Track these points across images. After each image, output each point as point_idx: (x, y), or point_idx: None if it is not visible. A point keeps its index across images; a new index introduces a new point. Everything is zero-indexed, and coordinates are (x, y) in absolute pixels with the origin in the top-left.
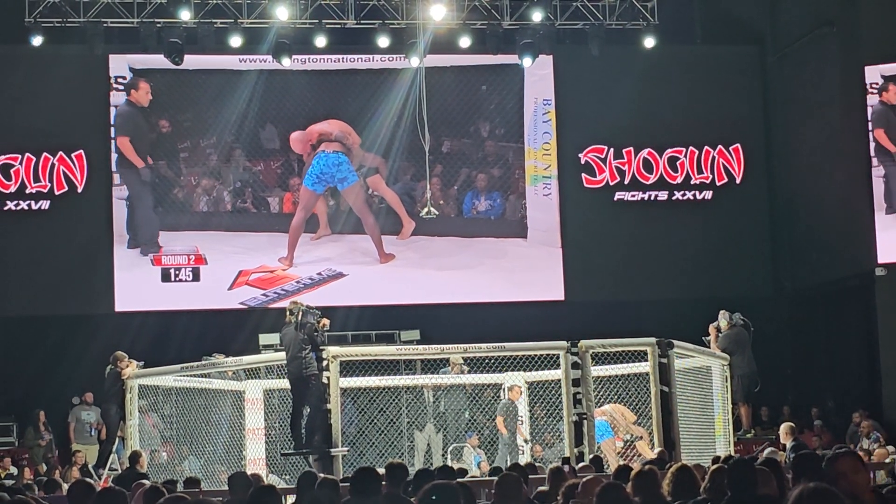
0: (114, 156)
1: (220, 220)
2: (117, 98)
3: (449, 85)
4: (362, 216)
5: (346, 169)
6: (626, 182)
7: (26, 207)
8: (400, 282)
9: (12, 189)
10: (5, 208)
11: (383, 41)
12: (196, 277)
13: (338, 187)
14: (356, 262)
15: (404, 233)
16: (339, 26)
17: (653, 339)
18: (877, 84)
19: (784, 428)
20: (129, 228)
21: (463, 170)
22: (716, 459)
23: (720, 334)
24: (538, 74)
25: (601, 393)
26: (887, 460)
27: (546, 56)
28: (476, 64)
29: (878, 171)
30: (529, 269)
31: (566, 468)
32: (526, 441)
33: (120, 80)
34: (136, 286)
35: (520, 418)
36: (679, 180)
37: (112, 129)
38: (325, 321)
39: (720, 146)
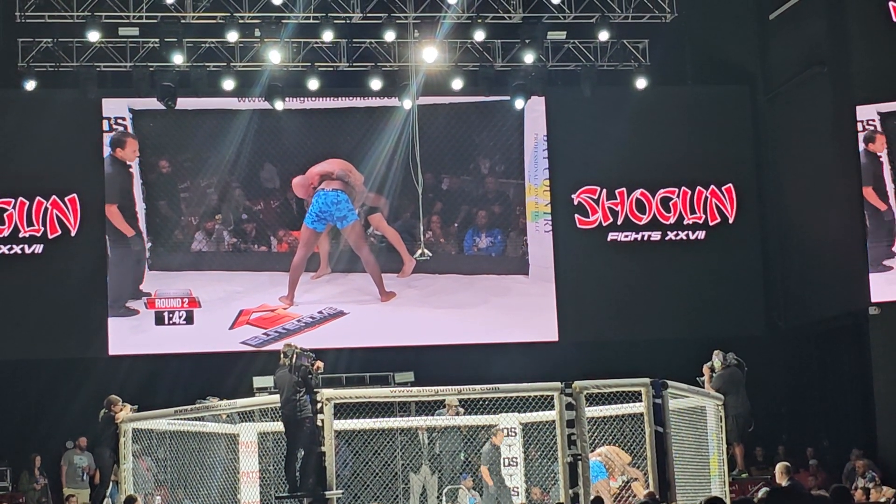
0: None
1: (221, 259)
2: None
3: (448, 122)
4: (360, 254)
5: (345, 207)
6: (619, 223)
7: (20, 251)
8: (400, 321)
9: (5, 233)
10: None
11: (376, 83)
12: (190, 320)
13: (337, 225)
14: (357, 301)
15: (405, 271)
16: (331, 69)
17: (647, 380)
18: (873, 121)
19: (779, 468)
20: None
21: (463, 207)
22: (711, 500)
23: (714, 374)
24: (538, 111)
25: (596, 434)
26: (882, 500)
27: (539, 97)
28: (475, 101)
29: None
30: (524, 310)
31: None
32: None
33: (120, 121)
34: (130, 330)
35: (506, 460)
36: (672, 220)
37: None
38: (319, 364)
39: (713, 186)
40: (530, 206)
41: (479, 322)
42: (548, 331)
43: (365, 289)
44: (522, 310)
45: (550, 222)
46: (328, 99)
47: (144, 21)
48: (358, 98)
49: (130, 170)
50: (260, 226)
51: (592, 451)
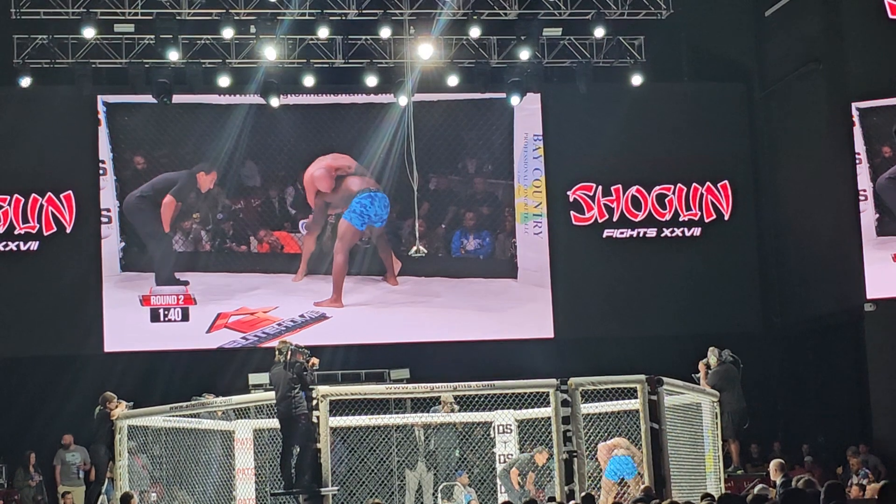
0: (102, 194)
1: (198, 260)
2: (105, 137)
3: (436, 120)
4: (384, 256)
5: (388, 210)
6: (614, 219)
7: (15, 248)
8: (385, 322)
9: (1, 230)
10: None
11: (371, 80)
12: (185, 317)
13: (376, 225)
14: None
15: (391, 276)
16: (327, 66)
17: (642, 377)
18: (852, 118)
19: (774, 464)
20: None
21: (451, 208)
22: (706, 496)
23: (709, 371)
24: (528, 109)
25: (591, 430)
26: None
27: (534, 94)
28: (464, 99)
29: (864, 206)
30: (519, 307)
31: None
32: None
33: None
34: (125, 326)
35: (501, 457)
36: (668, 217)
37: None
38: (315, 360)
39: (708, 183)
40: (519, 208)
41: (474, 320)
42: (544, 327)
43: (348, 290)
44: (518, 307)
45: (541, 224)
46: (319, 95)
47: (140, 18)
48: (345, 94)
49: (200, 191)
50: (239, 225)
51: (592, 450)
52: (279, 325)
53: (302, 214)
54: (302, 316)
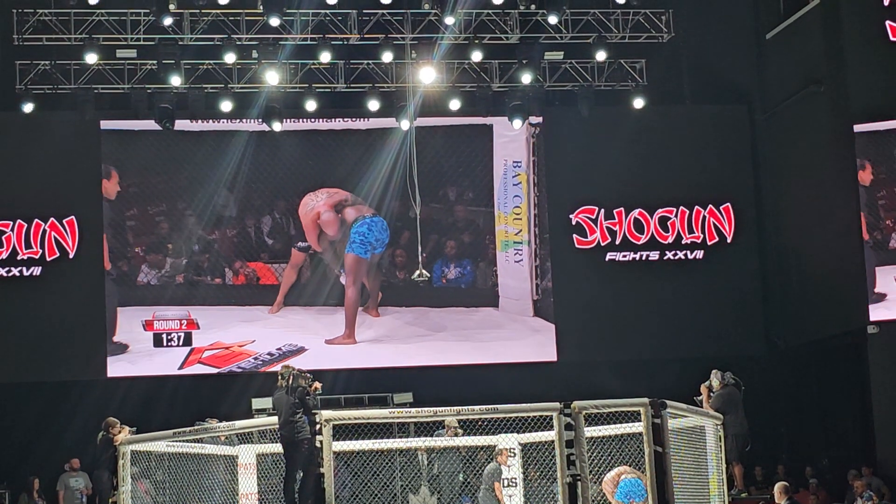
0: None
1: (172, 293)
2: (108, 162)
3: (417, 148)
4: (366, 282)
5: (388, 233)
6: (617, 242)
7: (18, 274)
8: (371, 355)
9: (4, 255)
10: None
11: (373, 105)
12: (188, 342)
13: (377, 251)
14: (318, 335)
15: (371, 304)
16: (328, 90)
17: (646, 400)
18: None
19: (778, 487)
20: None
21: (432, 236)
22: None
23: (712, 394)
24: (508, 136)
25: (595, 454)
26: None
27: (528, 118)
28: (445, 125)
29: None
30: (523, 330)
31: None
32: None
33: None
34: (129, 351)
35: (505, 480)
36: (670, 240)
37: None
38: (317, 384)
39: (710, 206)
40: (500, 235)
41: (478, 343)
42: (547, 351)
43: (329, 322)
44: (521, 330)
45: (521, 252)
46: (310, 121)
47: (142, 43)
48: (341, 119)
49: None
50: (214, 256)
51: (596, 474)
52: (255, 358)
53: (279, 244)
54: (279, 349)
